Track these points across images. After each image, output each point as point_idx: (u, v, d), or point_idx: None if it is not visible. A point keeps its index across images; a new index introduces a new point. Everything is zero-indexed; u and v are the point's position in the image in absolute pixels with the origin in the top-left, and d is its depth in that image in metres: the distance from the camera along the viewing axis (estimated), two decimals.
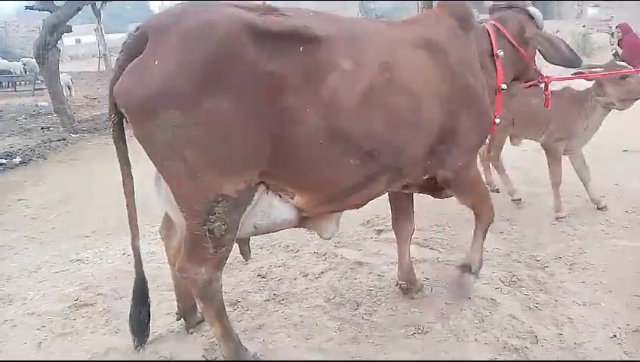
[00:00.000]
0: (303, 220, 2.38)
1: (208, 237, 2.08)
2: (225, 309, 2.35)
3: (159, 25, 1.98)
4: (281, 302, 3.06)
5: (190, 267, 2.19)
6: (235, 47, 1.91)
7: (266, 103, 1.97)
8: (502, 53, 2.76)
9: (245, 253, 2.53)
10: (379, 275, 3.30)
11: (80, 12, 9.36)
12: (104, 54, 22.22)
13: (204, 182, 1.99)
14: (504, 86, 2.78)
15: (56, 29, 8.56)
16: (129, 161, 2.25)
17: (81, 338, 2.77)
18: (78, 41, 37.23)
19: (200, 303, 2.31)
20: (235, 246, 2.30)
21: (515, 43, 2.82)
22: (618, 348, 2.50)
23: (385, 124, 2.23)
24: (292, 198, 2.24)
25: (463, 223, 3.94)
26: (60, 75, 9.41)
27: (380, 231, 3.92)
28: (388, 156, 2.29)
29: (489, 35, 2.78)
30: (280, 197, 2.24)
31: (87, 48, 32.50)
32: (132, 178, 2.27)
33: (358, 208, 2.52)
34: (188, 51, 1.88)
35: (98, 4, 19.27)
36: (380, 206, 4.30)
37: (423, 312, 2.89)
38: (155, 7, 44.56)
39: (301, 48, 2.03)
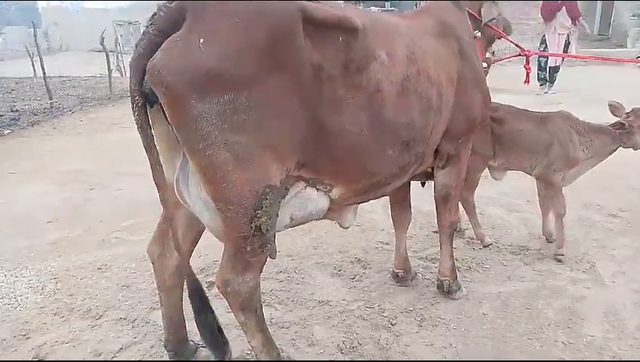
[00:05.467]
0: (328, 211, 2.33)
1: (254, 236, 1.94)
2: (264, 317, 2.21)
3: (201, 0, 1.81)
4: None
5: (234, 277, 2.03)
6: (292, 30, 1.85)
7: (312, 90, 1.92)
8: (479, 33, 2.90)
9: (272, 250, 2.16)
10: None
11: None
12: None
13: (254, 172, 1.86)
14: (485, 65, 2.95)
15: None
16: (157, 148, 1.92)
17: None
18: None
19: (241, 316, 2.12)
20: None
21: (475, 13, 2.97)
22: None
23: (418, 111, 2.30)
24: (330, 191, 2.23)
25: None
26: None
27: (212, 284, 3.25)
28: (419, 144, 2.38)
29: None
30: (317, 190, 2.19)
31: None
32: (162, 168, 1.95)
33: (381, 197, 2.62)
34: (245, 30, 1.78)
35: None
36: (219, 250, 3.70)
37: None
38: (41, 7, 41.00)
39: (344, 38, 2.00)
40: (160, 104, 1.81)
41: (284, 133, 1.90)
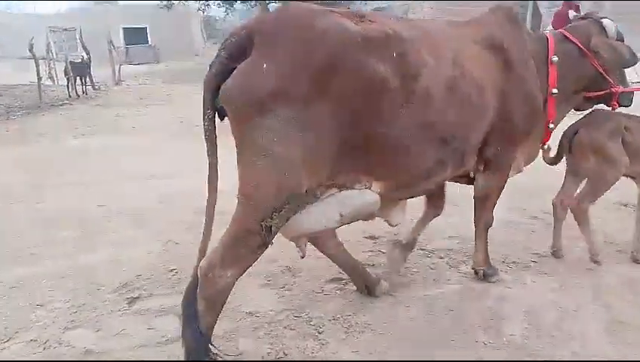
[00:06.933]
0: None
1: (260, 234, 2.13)
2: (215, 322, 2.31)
3: (267, 28, 2.12)
4: None
5: (219, 268, 2.16)
6: (343, 55, 2.10)
7: (363, 104, 2.16)
8: (556, 58, 2.99)
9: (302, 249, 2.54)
10: None
11: None
12: None
13: (287, 180, 2.09)
14: (555, 90, 2.99)
15: None
16: (217, 155, 2.22)
17: None
18: None
19: (202, 305, 2.22)
20: None
21: (584, 49, 3.06)
22: None
23: (458, 113, 2.48)
24: (370, 187, 2.39)
25: None
26: None
27: (133, 300, 3.11)
28: (458, 141, 2.55)
29: (547, 41, 3.04)
30: (355, 188, 2.36)
31: None
32: (218, 174, 2.24)
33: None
34: (303, 56, 2.04)
35: None
36: (144, 265, 3.57)
37: None
38: None
39: (394, 53, 2.23)
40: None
41: (325, 148, 2.14)
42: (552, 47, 3.03)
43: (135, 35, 28.13)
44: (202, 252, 2.28)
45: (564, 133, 3.45)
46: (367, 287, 3.09)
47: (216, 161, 2.22)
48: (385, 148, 2.30)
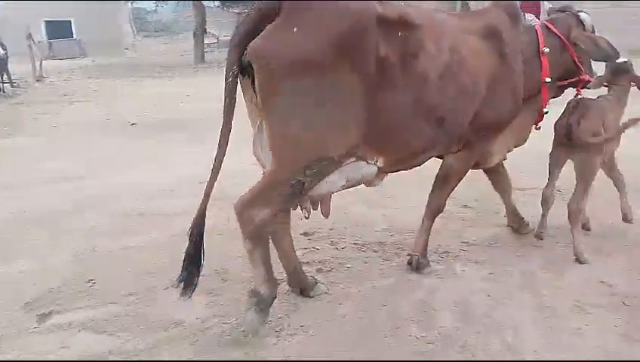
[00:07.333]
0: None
1: (295, 186, 2.35)
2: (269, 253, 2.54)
3: None
4: None
5: (252, 208, 2.35)
6: (365, 30, 2.31)
7: (377, 78, 2.37)
8: (547, 50, 3.15)
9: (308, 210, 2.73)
10: None
11: None
12: None
13: (317, 143, 2.34)
14: (548, 79, 3.17)
15: None
16: (233, 112, 2.35)
17: None
18: None
19: (249, 244, 2.44)
20: None
21: (565, 40, 3.22)
22: None
23: (454, 96, 2.69)
24: (376, 162, 2.63)
25: None
26: None
27: (44, 317, 2.84)
28: (451, 124, 2.76)
29: (537, 33, 3.19)
30: (367, 162, 2.61)
31: None
32: (231, 127, 2.36)
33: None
34: (328, 27, 2.24)
35: None
36: (56, 277, 3.30)
37: None
38: None
39: (404, 33, 2.46)
40: (250, 75, 2.27)
41: (351, 114, 2.35)
42: (542, 39, 3.17)
43: (59, 29, 26.59)
44: (206, 196, 2.44)
45: (559, 124, 3.36)
46: (303, 290, 3.00)
47: (232, 118, 2.35)
48: (390, 124, 2.53)
